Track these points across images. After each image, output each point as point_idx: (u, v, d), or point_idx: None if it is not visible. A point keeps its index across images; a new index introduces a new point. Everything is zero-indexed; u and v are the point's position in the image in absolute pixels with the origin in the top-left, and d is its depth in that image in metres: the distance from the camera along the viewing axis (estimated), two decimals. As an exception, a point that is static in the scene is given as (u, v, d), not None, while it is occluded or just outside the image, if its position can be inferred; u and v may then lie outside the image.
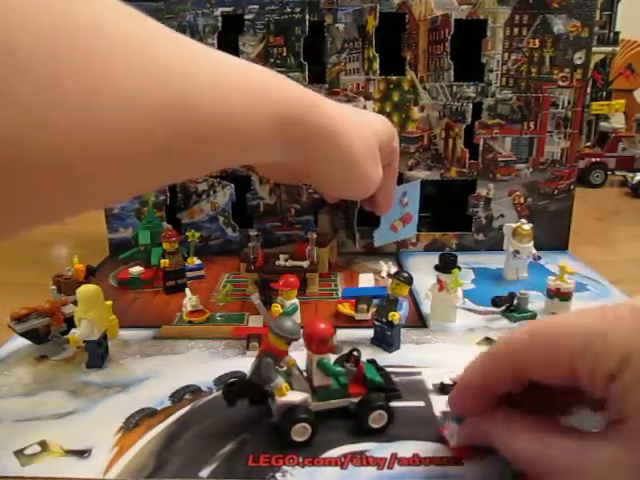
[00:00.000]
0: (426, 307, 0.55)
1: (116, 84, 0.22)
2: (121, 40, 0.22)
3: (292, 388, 0.36)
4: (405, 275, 0.48)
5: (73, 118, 0.20)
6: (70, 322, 0.47)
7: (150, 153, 0.24)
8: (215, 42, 0.65)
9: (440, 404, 0.40)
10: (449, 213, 0.75)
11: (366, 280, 0.59)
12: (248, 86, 0.30)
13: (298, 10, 0.64)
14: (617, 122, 1.32)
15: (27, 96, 0.19)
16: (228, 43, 0.65)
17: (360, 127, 0.42)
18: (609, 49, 1.38)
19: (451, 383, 0.42)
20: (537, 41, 0.66)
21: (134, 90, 0.22)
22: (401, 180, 0.68)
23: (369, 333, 0.49)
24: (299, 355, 0.39)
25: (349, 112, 0.43)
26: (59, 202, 0.23)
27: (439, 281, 0.52)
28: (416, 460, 0.34)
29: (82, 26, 0.21)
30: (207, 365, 0.45)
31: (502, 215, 0.71)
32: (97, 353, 0.45)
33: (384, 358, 0.46)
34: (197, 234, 0.66)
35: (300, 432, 0.35)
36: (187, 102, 0.25)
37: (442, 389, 0.41)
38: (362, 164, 0.42)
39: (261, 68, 0.33)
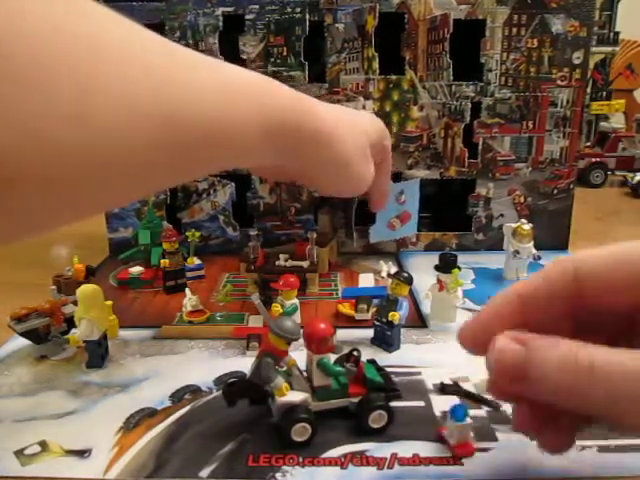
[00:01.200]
0: (426, 307, 0.55)
1: (107, 94, 0.21)
2: (113, 50, 0.22)
3: (292, 388, 0.36)
4: (405, 275, 0.48)
5: (65, 128, 0.20)
6: (70, 322, 0.47)
7: (139, 162, 0.24)
8: (216, 42, 0.65)
9: (440, 404, 0.40)
10: (449, 213, 0.75)
11: (366, 280, 0.59)
12: (240, 93, 0.30)
13: (298, 10, 0.64)
14: (617, 122, 1.32)
15: (18, 105, 0.19)
16: (229, 43, 0.65)
17: (351, 127, 0.43)
18: (609, 49, 1.38)
19: (451, 383, 0.42)
20: (536, 41, 0.66)
21: (126, 100, 0.22)
22: (400, 179, 0.68)
23: (369, 333, 0.49)
24: (299, 355, 0.39)
25: (340, 113, 0.43)
26: (54, 211, 0.23)
27: (439, 281, 0.52)
28: (416, 460, 0.34)
29: (75, 37, 0.21)
30: (207, 365, 0.45)
31: (502, 215, 0.71)
32: (97, 353, 0.45)
33: (384, 358, 0.46)
34: (197, 234, 0.66)
35: (300, 432, 0.35)
36: (178, 110, 0.25)
37: (442, 389, 0.41)
38: (354, 164, 0.43)
39: (253, 74, 0.33)
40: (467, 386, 0.42)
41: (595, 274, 0.28)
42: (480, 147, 0.69)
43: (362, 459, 0.34)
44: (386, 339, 0.48)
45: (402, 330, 0.49)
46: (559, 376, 0.25)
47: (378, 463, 0.34)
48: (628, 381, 0.23)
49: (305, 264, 0.59)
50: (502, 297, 0.29)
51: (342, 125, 0.41)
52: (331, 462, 0.34)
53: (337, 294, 0.60)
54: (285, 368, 0.37)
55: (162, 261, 0.60)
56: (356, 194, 0.49)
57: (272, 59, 0.66)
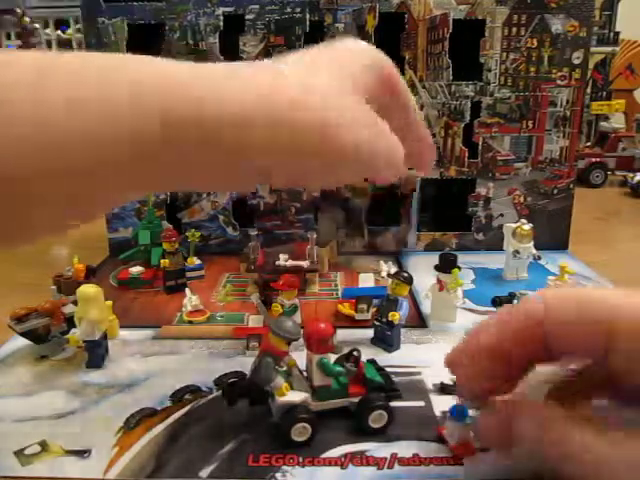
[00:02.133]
0: (426, 307, 0.55)
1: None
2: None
3: (292, 388, 0.36)
4: (405, 275, 0.48)
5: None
6: (70, 322, 0.47)
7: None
8: (216, 42, 0.65)
9: (440, 404, 0.40)
10: (449, 213, 0.75)
11: (366, 280, 0.59)
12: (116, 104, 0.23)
13: (298, 10, 0.64)
14: (617, 122, 1.32)
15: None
16: (229, 43, 0.65)
17: (315, 88, 0.27)
18: (609, 49, 1.38)
19: (451, 383, 0.42)
20: (535, 41, 0.66)
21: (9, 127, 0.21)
22: (400, 178, 0.68)
23: (369, 333, 0.49)
24: (299, 355, 0.39)
25: (274, 70, 0.30)
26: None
27: (439, 281, 0.52)
28: (416, 460, 0.34)
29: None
30: (207, 365, 0.45)
31: (502, 214, 0.71)
32: (97, 353, 0.45)
33: (384, 358, 0.46)
34: (197, 234, 0.66)
35: (300, 432, 0.35)
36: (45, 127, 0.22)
37: (442, 389, 0.41)
38: (330, 136, 0.26)
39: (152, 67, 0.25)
40: (467, 386, 0.42)
41: (558, 323, 0.27)
42: (480, 147, 0.69)
43: (362, 459, 0.34)
44: (386, 339, 0.48)
45: (402, 330, 0.49)
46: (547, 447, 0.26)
47: (378, 463, 0.34)
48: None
49: (305, 264, 0.59)
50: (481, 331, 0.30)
51: (276, 90, 0.26)
52: (331, 462, 0.34)
53: (337, 294, 0.59)
54: (285, 368, 0.37)
55: (162, 261, 0.60)
56: (389, 172, 0.31)
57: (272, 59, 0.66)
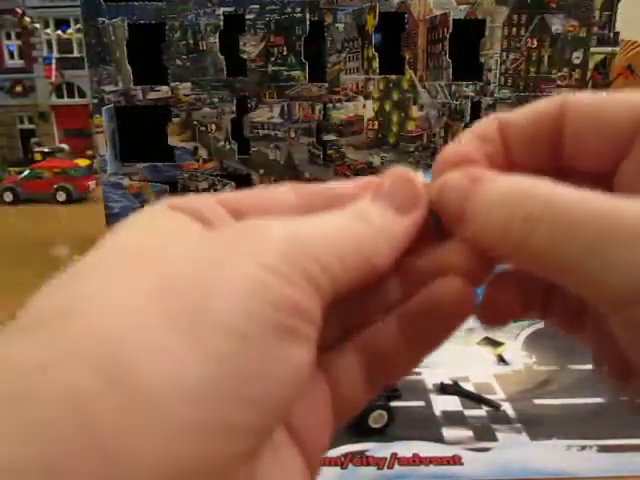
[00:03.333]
0: (426, 307, 0.55)
1: None
2: None
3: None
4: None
5: None
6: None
7: None
8: (216, 41, 0.65)
9: (440, 404, 0.40)
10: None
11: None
12: None
13: (298, 10, 0.64)
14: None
15: None
16: (229, 43, 0.65)
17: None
18: (609, 49, 1.38)
19: (451, 383, 0.42)
20: (535, 41, 0.66)
21: None
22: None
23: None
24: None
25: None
26: None
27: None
28: (416, 460, 0.34)
29: None
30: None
31: (502, 215, 0.71)
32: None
33: (384, 358, 0.46)
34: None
35: (300, 432, 0.35)
36: None
37: (442, 389, 0.41)
38: None
39: None
40: (467, 386, 0.42)
41: (581, 112, 0.17)
42: (480, 147, 0.69)
43: (362, 459, 0.34)
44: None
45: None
46: (498, 212, 0.13)
47: (378, 463, 0.34)
48: (578, 223, 0.12)
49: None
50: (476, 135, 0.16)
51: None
52: (331, 462, 0.34)
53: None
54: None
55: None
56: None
57: (272, 59, 0.66)
